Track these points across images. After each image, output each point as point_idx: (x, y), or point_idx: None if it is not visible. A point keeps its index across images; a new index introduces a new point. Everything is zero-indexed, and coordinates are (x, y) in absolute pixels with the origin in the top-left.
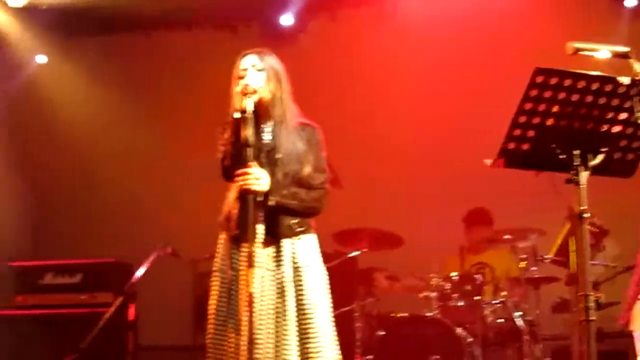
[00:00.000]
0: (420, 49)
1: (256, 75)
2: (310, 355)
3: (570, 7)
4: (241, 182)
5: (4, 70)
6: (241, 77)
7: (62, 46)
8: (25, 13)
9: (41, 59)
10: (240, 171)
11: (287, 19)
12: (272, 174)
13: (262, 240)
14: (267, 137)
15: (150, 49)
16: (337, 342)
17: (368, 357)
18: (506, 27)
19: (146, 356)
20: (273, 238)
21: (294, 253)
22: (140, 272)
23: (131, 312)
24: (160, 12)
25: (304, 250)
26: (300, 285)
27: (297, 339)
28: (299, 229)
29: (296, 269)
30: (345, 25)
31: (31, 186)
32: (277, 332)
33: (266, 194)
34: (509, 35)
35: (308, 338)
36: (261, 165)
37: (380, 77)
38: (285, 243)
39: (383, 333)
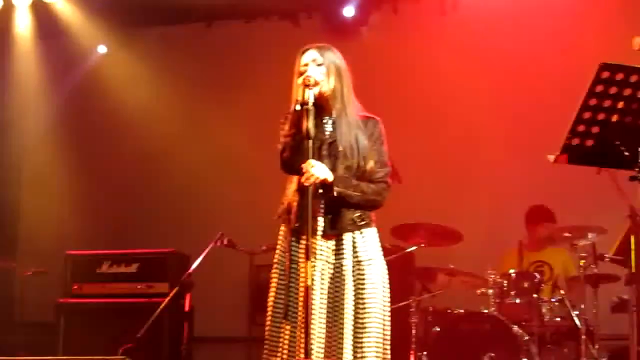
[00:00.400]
0: (482, 42)
1: (317, 70)
2: (364, 349)
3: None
4: (303, 176)
5: (66, 61)
6: (302, 73)
7: (123, 37)
8: (87, 3)
9: (102, 49)
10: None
11: (349, 11)
12: (333, 167)
13: (322, 233)
14: (328, 129)
15: (210, 40)
16: (389, 338)
17: (423, 353)
18: (569, 19)
19: (201, 347)
20: (334, 231)
21: (355, 246)
22: (196, 263)
23: (187, 302)
24: (220, 3)
25: (366, 243)
26: (361, 279)
27: (352, 332)
28: (360, 223)
29: (357, 263)
30: (407, 18)
31: (91, 176)
32: (333, 325)
33: (328, 186)
34: (572, 29)
35: (363, 333)
36: (322, 158)
37: (442, 70)
38: (347, 236)
39: (439, 329)
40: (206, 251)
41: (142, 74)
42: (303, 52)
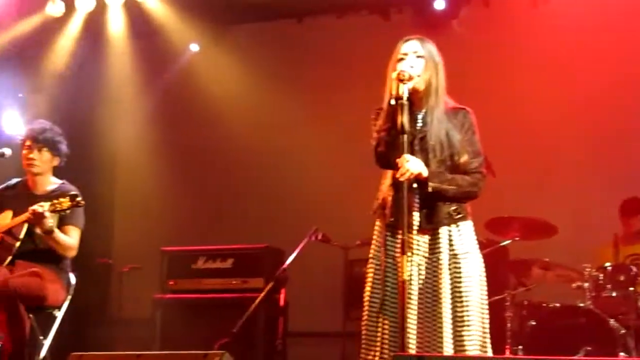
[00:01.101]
0: (575, 35)
1: (415, 62)
2: (464, 343)
3: None
4: (398, 172)
5: (159, 59)
6: (400, 61)
7: (215, 34)
8: (179, 2)
9: (194, 47)
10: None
11: (439, 4)
12: (426, 162)
13: (417, 227)
14: (420, 124)
15: (301, 35)
16: (488, 331)
17: (518, 347)
18: None
19: (296, 342)
20: (430, 225)
21: (451, 240)
22: (291, 258)
23: (282, 297)
24: None
25: (462, 237)
26: (458, 273)
27: (452, 326)
28: (457, 216)
29: (453, 257)
30: (499, 11)
31: (185, 173)
32: (431, 319)
33: (423, 181)
34: None
35: (463, 326)
36: (414, 152)
37: (534, 63)
38: (443, 230)
39: (534, 323)
40: (301, 246)
41: (233, 70)
42: (404, 41)
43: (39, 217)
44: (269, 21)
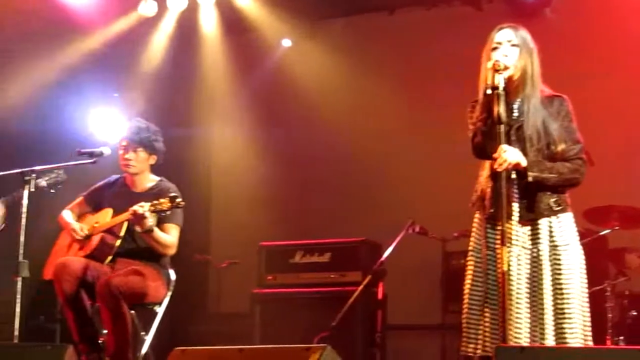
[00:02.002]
0: None
1: (510, 50)
2: (565, 334)
3: None
4: (496, 162)
5: (252, 56)
6: (494, 50)
7: (307, 29)
8: None
9: (287, 42)
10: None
11: None
12: (524, 151)
13: (517, 218)
14: (516, 113)
15: (393, 27)
16: (590, 323)
17: (620, 337)
18: None
19: (395, 335)
20: (530, 216)
21: (551, 231)
22: (388, 251)
23: (380, 291)
24: None
25: (562, 228)
26: (558, 264)
27: (553, 318)
28: (557, 208)
29: (554, 248)
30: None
31: (280, 167)
32: (532, 311)
33: (522, 171)
34: None
35: (564, 318)
36: (511, 142)
37: (629, 47)
38: (543, 221)
39: (635, 313)
40: (398, 239)
41: (326, 65)
42: (498, 30)
43: (139, 218)
44: (361, 14)
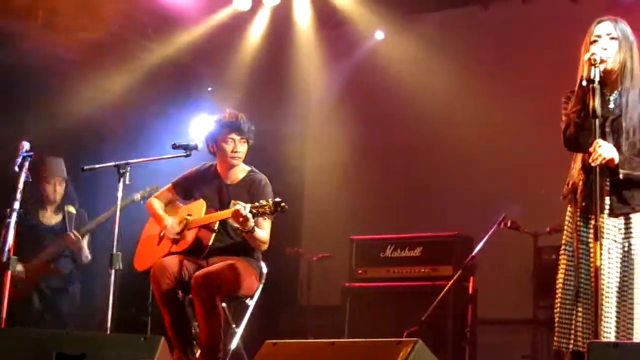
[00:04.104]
0: None
1: (609, 44)
2: None
3: None
4: (590, 157)
5: (346, 50)
6: (593, 43)
7: (401, 23)
8: None
9: (379, 35)
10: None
11: None
12: (617, 144)
13: (609, 211)
14: (612, 105)
15: (488, 21)
16: None
17: None
18: None
19: (485, 329)
20: (623, 209)
21: None
22: (480, 245)
23: (471, 285)
24: None
25: None
26: None
27: None
28: None
29: None
30: None
31: (372, 160)
32: (622, 306)
33: (615, 166)
34: None
35: None
36: (605, 134)
37: None
38: (636, 216)
39: None
40: (490, 233)
41: (420, 59)
42: (597, 23)
43: (241, 219)
44: (455, 8)
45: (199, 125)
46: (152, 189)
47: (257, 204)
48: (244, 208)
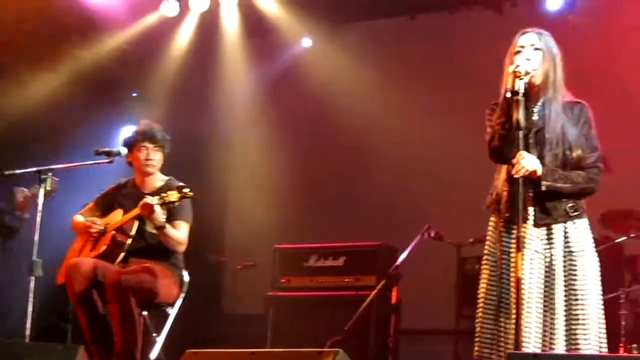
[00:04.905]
0: None
1: (533, 54)
2: (579, 341)
3: None
4: (513, 168)
5: (273, 56)
6: (517, 53)
7: (328, 32)
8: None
9: (307, 42)
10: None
11: (553, 5)
12: (540, 156)
13: (532, 222)
14: (536, 117)
15: (414, 32)
16: (605, 331)
17: (633, 345)
18: None
19: (409, 339)
20: (545, 221)
21: (566, 237)
22: (404, 255)
23: (394, 295)
24: None
25: (578, 235)
26: (573, 270)
27: (565, 324)
28: (573, 213)
29: (569, 254)
30: (617, 4)
31: (297, 170)
32: (545, 316)
33: (538, 178)
34: None
35: (577, 324)
36: (529, 146)
37: None
38: (558, 227)
39: None
40: (413, 243)
41: (347, 68)
42: (522, 34)
43: (149, 210)
44: (382, 18)
45: (123, 132)
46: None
47: (163, 194)
48: (152, 199)
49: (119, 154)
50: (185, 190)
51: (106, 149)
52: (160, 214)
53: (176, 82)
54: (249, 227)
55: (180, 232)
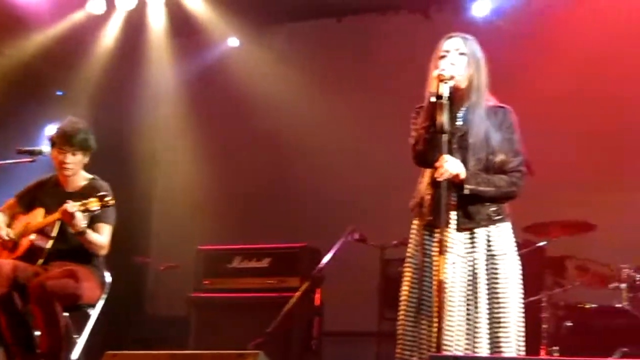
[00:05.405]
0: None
1: (457, 59)
2: (501, 344)
3: None
4: (437, 172)
5: (199, 57)
6: (441, 58)
7: (254, 32)
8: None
9: (234, 42)
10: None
11: (479, 11)
12: (464, 160)
13: (455, 226)
14: (460, 122)
15: (341, 34)
16: (524, 333)
17: (554, 347)
18: None
19: (331, 341)
20: (468, 225)
21: (489, 241)
22: (327, 257)
23: (318, 297)
24: None
25: (500, 238)
26: (495, 274)
27: (488, 327)
28: (496, 217)
29: (491, 257)
30: (541, 9)
31: (222, 171)
32: (467, 320)
33: (461, 182)
34: None
35: (499, 327)
36: (452, 151)
37: (576, 60)
38: (481, 230)
39: (570, 324)
40: (337, 245)
41: (273, 69)
42: (447, 38)
43: (69, 217)
44: (308, 20)
45: (47, 130)
46: None
47: (84, 200)
48: (72, 206)
49: (41, 153)
50: (107, 199)
51: (28, 148)
52: (80, 220)
53: (101, 80)
54: (175, 229)
55: (101, 236)
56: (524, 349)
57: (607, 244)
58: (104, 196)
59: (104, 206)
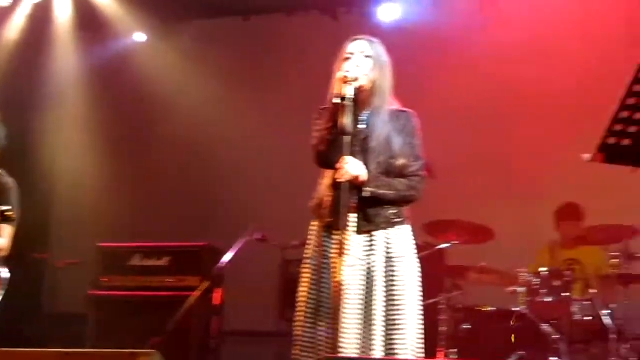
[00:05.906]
0: (518, 36)
1: (362, 62)
2: (395, 346)
3: None
4: (338, 173)
5: (105, 51)
6: (346, 60)
7: (162, 29)
8: None
9: (140, 37)
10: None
11: (385, 16)
12: (365, 163)
13: (355, 228)
14: (362, 125)
15: (248, 33)
16: (422, 335)
17: (452, 350)
18: None
19: (230, 341)
20: (367, 227)
21: (388, 243)
22: (228, 256)
23: (217, 296)
24: None
25: (399, 241)
26: (392, 276)
27: (384, 329)
28: (395, 220)
29: (389, 260)
30: (445, 9)
31: (124, 168)
32: (364, 322)
33: (361, 184)
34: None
35: (395, 329)
36: (354, 153)
37: (479, 66)
38: (379, 233)
39: (469, 327)
40: (238, 245)
41: (178, 66)
42: (352, 41)
43: None
44: (216, 18)
45: None
46: None
47: None
48: None
49: None
50: (8, 214)
51: None
52: None
53: (5, 72)
54: (76, 225)
55: (3, 239)
56: (422, 351)
57: (507, 248)
58: (5, 211)
59: (4, 221)
